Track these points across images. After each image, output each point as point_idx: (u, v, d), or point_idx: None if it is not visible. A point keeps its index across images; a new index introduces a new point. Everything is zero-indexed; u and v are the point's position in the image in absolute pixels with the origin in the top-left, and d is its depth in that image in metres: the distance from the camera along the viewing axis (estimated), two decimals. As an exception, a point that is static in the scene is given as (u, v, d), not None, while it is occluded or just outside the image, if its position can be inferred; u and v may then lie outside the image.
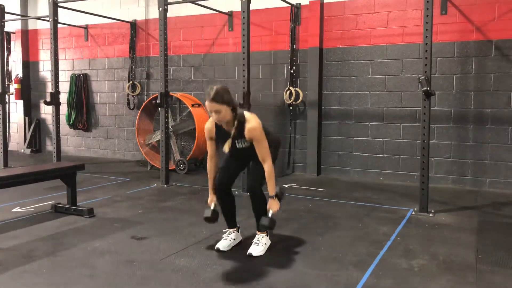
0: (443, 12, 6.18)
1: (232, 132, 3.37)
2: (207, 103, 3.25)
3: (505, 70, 5.93)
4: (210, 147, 3.59)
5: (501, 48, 5.94)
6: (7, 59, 9.77)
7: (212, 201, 3.63)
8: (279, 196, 3.44)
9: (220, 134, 3.48)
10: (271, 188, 3.40)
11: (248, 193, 3.65)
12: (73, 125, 9.30)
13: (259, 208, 3.57)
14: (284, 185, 6.23)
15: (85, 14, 8.29)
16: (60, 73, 7.36)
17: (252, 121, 3.35)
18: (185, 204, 5.23)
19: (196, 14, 7.87)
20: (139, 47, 8.60)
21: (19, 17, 9.15)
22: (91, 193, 5.75)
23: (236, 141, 3.41)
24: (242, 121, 3.35)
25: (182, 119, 7.99)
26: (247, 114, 3.42)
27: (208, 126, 3.52)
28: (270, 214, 3.41)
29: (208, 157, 3.64)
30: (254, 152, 3.40)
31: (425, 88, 4.56)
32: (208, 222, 3.61)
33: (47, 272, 3.16)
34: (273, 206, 3.41)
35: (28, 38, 9.87)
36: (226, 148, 3.45)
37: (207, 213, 3.57)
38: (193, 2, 7.21)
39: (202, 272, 3.16)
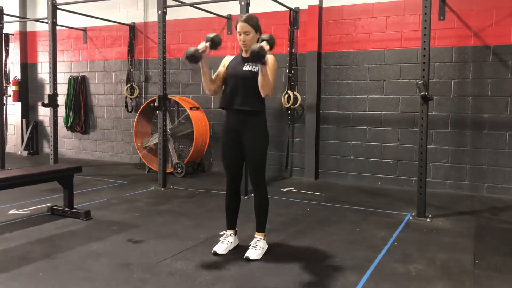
0: (441, 17, 6.21)
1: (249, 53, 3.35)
2: (239, 24, 3.43)
3: (503, 76, 5.95)
4: (217, 73, 3.64)
5: (498, 53, 5.96)
6: (5, 61, 9.76)
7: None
8: (269, 42, 3.31)
9: (234, 62, 3.58)
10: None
11: (252, 193, 3.63)
12: (70, 128, 9.29)
13: (262, 207, 3.60)
14: (282, 189, 6.23)
15: (84, 16, 8.30)
16: (58, 75, 7.33)
17: (270, 55, 3.42)
18: (182, 207, 5.22)
19: (195, 17, 7.88)
20: (138, 50, 8.61)
21: (17, 19, 9.16)
22: (88, 195, 5.73)
23: (246, 64, 3.48)
24: None
25: (180, 122, 7.98)
26: None
27: (227, 58, 3.69)
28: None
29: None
30: (252, 85, 3.38)
31: (423, 93, 4.56)
32: (189, 58, 3.36)
33: (43, 274, 3.14)
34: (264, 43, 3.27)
35: (26, 40, 9.86)
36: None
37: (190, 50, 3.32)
38: (192, 6, 7.23)
39: (198, 276, 3.15)
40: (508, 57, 5.92)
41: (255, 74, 3.39)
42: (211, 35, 3.48)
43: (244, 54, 3.55)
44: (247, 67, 3.47)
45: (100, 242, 3.84)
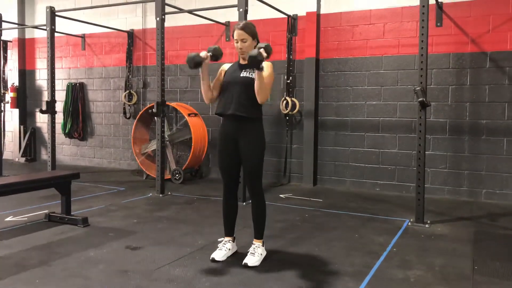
0: (438, 24, 6.24)
1: (247, 61, 3.40)
2: (235, 31, 3.46)
3: (500, 82, 5.98)
4: (214, 81, 3.66)
5: (495, 59, 5.99)
6: (4, 67, 9.76)
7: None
8: (266, 50, 3.27)
9: (231, 69, 3.60)
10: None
11: (249, 199, 3.63)
12: (68, 134, 9.27)
13: (259, 213, 3.59)
14: (281, 195, 6.22)
15: (83, 23, 8.32)
16: (56, 81, 7.34)
17: (268, 62, 3.43)
18: (180, 214, 5.20)
19: (193, 24, 7.91)
20: (136, 57, 8.62)
21: (16, 25, 9.17)
22: (85, 202, 5.71)
23: (244, 70, 3.50)
24: None
25: (178, 128, 7.98)
26: None
27: (224, 66, 3.70)
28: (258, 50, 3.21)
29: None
30: (249, 91, 3.41)
31: (421, 99, 4.58)
32: (190, 63, 3.42)
33: (40, 281, 3.12)
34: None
35: (25, 46, 9.87)
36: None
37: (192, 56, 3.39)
38: (190, 12, 7.26)
39: (196, 283, 3.13)
40: (505, 63, 5.95)
41: (252, 80, 3.41)
42: (213, 46, 3.55)
43: (241, 61, 3.57)
44: (244, 74, 3.50)
45: (98, 249, 3.82)
